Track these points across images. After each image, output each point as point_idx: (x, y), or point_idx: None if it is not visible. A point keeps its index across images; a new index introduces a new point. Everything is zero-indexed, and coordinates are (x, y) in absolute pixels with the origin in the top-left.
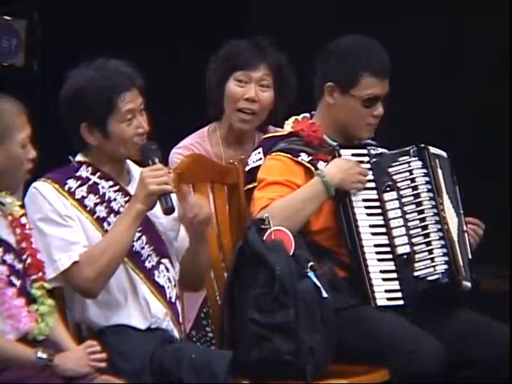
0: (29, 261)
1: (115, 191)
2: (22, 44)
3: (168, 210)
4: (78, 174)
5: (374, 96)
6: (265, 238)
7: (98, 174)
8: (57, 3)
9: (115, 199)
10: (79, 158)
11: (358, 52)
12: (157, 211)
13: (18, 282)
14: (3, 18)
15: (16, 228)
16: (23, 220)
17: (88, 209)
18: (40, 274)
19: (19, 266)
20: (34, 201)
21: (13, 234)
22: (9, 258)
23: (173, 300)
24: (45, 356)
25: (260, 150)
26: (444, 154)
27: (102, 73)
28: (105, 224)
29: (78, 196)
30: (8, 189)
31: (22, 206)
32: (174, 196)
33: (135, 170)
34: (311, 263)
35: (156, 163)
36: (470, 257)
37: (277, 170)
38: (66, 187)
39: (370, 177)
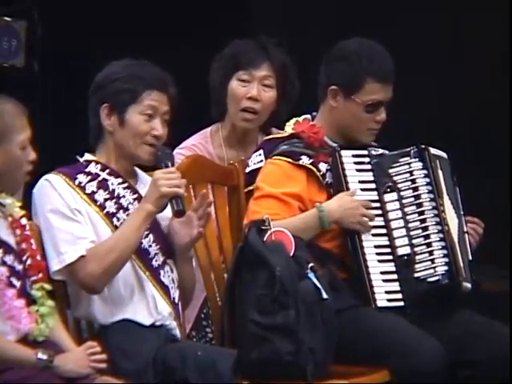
0: (29, 262)
1: (124, 188)
2: (22, 45)
3: (178, 213)
4: (87, 170)
5: (377, 102)
6: (265, 238)
7: (107, 170)
8: (57, 3)
9: (124, 196)
10: (86, 157)
11: (364, 57)
12: (164, 213)
13: (18, 283)
14: (3, 19)
15: (16, 229)
16: (23, 221)
17: (98, 204)
18: (40, 274)
19: (19, 267)
20: (45, 192)
21: (13, 235)
22: (9, 259)
23: (176, 301)
24: (45, 357)
25: (261, 151)
26: (444, 154)
27: (142, 67)
28: (114, 219)
29: (88, 191)
30: (8, 190)
31: (22, 207)
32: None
33: (142, 174)
34: (311, 264)
35: (169, 167)
36: (471, 258)
37: (274, 177)
38: (77, 181)
39: (371, 178)
